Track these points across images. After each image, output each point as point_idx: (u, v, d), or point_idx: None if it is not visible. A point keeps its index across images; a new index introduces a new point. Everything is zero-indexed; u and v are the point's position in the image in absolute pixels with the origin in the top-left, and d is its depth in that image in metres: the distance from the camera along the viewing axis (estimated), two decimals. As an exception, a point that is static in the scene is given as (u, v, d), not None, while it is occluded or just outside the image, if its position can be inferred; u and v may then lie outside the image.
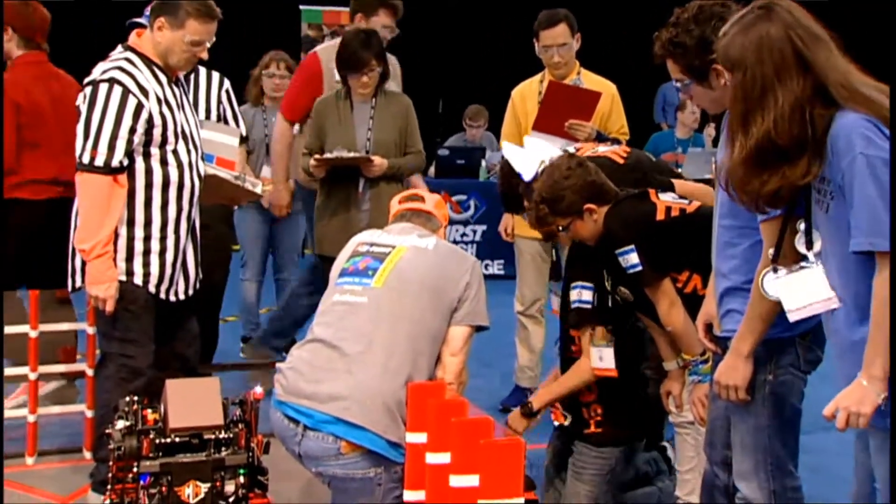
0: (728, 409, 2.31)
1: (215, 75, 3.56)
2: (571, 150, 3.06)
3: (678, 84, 2.27)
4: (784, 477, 2.24)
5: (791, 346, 2.20)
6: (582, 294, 2.77)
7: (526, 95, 4.04)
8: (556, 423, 2.99)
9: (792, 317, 1.97)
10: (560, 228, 2.78)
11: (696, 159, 6.00)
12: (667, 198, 2.83)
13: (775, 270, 2.00)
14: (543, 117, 3.74)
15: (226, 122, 3.90)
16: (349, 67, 3.81)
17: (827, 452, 3.39)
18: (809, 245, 1.94)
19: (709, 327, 2.39)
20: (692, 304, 2.56)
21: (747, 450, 2.25)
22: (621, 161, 3.05)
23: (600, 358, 2.82)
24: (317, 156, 3.84)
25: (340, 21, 8.66)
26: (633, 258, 2.63)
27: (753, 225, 2.16)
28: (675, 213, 2.76)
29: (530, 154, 3.08)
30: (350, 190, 3.87)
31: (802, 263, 1.96)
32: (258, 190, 3.70)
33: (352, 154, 3.80)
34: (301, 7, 8.99)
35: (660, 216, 2.73)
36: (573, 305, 2.80)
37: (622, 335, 2.86)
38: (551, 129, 3.40)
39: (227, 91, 3.66)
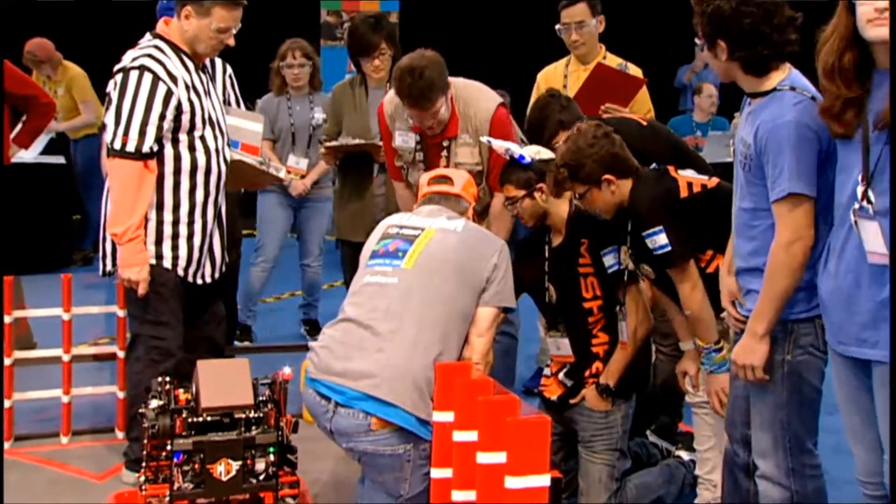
0: (748, 388, 2.35)
1: (218, 61, 3.58)
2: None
3: (697, 41, 2.31)
4: (802, 455, 2.28)
5: (810, 326, 2.22)
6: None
7: (551, 79, 4.04)
8: (553, 398, 3.00)
9: (868, 258, 1.96)
10: (577, 196, 2.81)
11: (717, 142, 6.00)
12: (686, 173, 2.84)
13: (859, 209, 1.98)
14: (581, 97, 3.72)
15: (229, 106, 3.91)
16: (360, 52, 3.84)
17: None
18: (867, 199, 1.93)
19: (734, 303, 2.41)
20: (715, 284, 2.55)
21: (766, 428, 2.29)
22: (644, 123, 3.23)
23: (623, 331, 2.86)
24: (326, 144, 3.89)
25: (359, 8, 8.68)
26: (662, 239, 2.63)
27: (769, 206, 2.18)
28: (696, 188, 2.77)
29: (514, 144, 3.10)
30: (364, 175, 3.91)
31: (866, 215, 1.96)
32: (281, 175, 3.75)
33: (357, 140, 3.83)
34: (320, -6, 9.02)
35: (683, 193, 2.75)
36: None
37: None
38: (586, 109, 3.39)
39: (231, 76, 3.68)
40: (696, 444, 2.99)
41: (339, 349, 2.54)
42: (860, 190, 1.95)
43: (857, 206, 1.96)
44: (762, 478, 2.32)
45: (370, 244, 2.77)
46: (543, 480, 2.01)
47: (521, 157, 2.95)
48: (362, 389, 2.44)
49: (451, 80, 3.26)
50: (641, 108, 3.99)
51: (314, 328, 4.89)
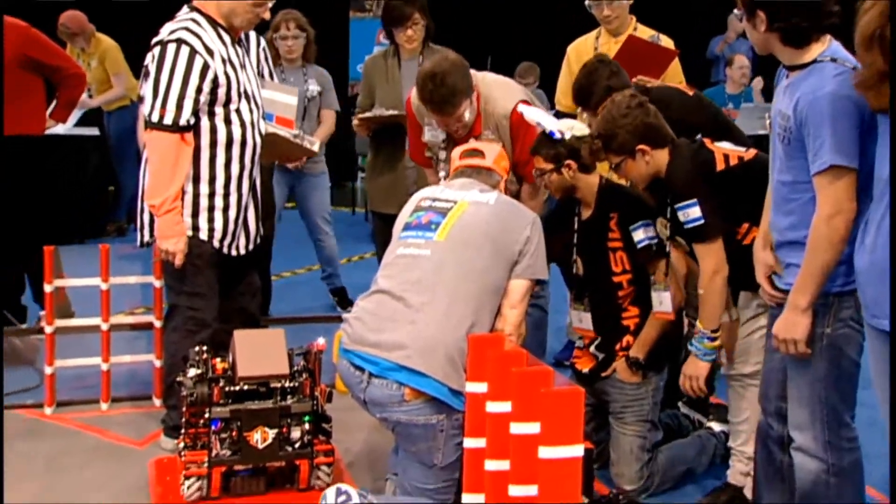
0: (784, 361, 2.34)
1: (252, 35, 3.57)
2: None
3: (737, 11, 2.31)
4: (840, 428, 2.28)
5: (850, 299, 2.21)
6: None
7: (581, 52, 4.00)
8: (585, 371, 3.02)
9: None
10: (612, 166, 2.80)
11: (750, 114, 5.93)
12: (723, 145, 2.81)
13: None
14: None
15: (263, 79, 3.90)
16: (393, 22, 3.85)
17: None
18: None
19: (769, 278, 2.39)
20: (752, 256, 2.51)
21: (804, 401, 2.29)
22: (690, 93, 3.20)
23: (660, 302, 2.87)
24: (359, 115, 3.91)
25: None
26: (696, 212, 2.61)
27: (809, 179, 2.17)
28: (733, 161, 2.74)
29: (548, 117, 3.09)
30: (397, 146, 3.92)
31: None
32: (315, 148, 3.77)
33: (390, 112, 3.84)
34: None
35: (719, 165, 2.72)
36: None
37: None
38: None
39: (264, 49, 3.69)
40: (731, 416, 2.99)
41: (372, 321, 2.56)
42: None
43: None
44: (798, 450, 2.33)
45: (403, 216, 2.79)
46: (577, 451, 2.02)
47: (553, 132, 2.95)
48: (395, 360, 2.47)
49: (477, 75, 3.25)
50: (673, 79, 3.95)
51: (343, 298, 4.94)
